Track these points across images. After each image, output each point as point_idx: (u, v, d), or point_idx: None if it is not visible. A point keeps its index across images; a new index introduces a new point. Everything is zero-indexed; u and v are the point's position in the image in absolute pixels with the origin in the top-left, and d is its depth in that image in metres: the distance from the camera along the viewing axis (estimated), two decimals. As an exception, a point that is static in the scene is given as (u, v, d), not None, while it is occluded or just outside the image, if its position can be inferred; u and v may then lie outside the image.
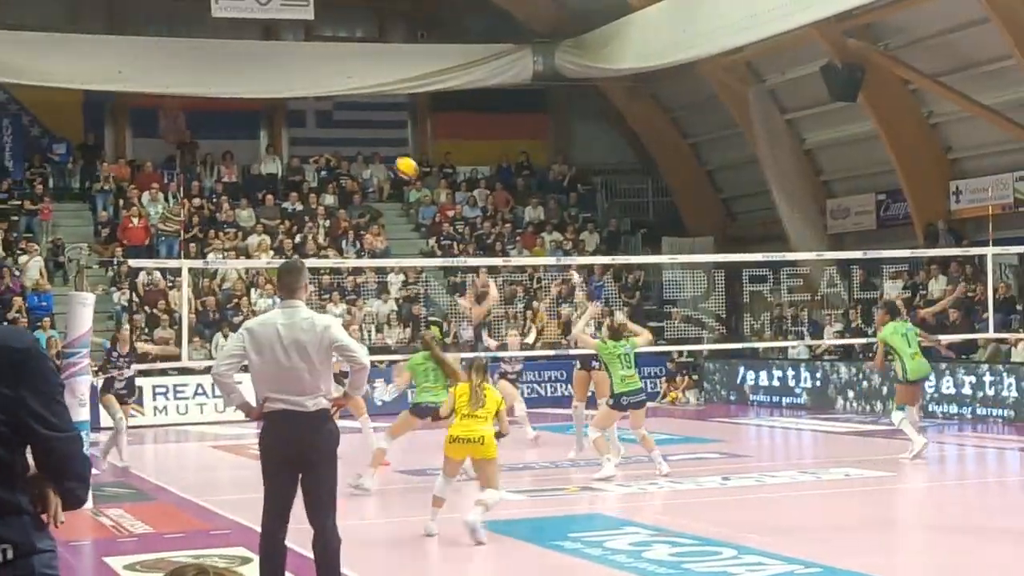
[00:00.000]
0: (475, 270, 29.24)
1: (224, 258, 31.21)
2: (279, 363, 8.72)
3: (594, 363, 19.09)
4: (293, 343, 8.70)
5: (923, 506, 15.44)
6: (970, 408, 25.01)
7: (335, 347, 8.82)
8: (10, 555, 3.87)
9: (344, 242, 33.99)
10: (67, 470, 4.10)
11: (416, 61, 35.86)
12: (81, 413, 15.42)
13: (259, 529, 9.13)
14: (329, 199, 35.75)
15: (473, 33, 37.15)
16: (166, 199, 33.92)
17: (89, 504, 14.93)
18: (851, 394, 27.70)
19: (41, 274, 30.62)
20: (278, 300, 9.46)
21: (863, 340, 26.60)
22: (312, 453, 8.76)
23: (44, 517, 4.07)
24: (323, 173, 37.02)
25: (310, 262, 30.37)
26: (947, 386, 25.49)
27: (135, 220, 32.72)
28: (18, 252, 31.39)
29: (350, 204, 35.92)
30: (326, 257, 31.86)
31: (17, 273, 30.53)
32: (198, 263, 26.92)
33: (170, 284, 30.28)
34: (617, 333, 17.20)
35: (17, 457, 3.95)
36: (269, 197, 35.08)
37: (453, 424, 12.91)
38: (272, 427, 8.87)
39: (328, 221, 34.65)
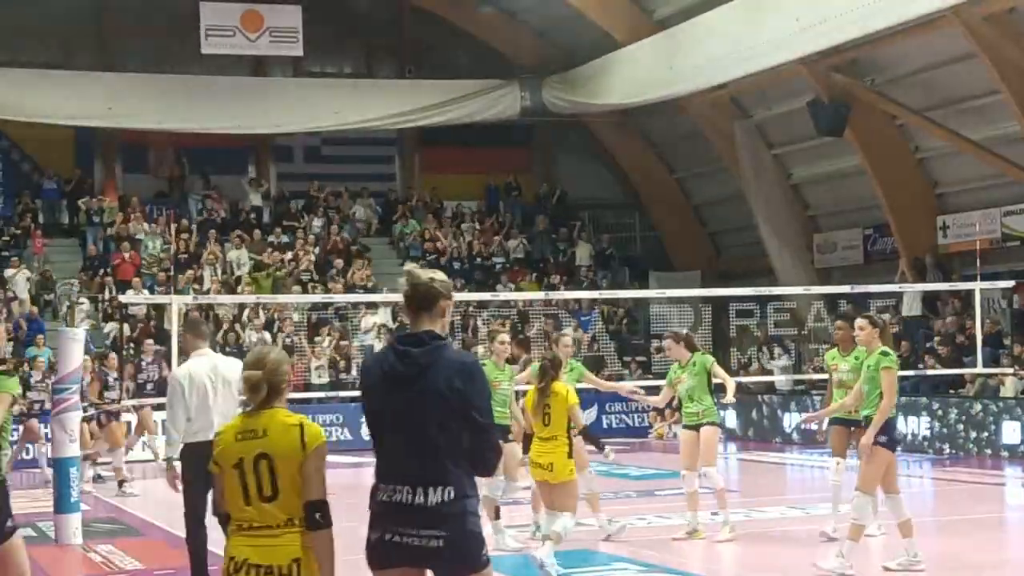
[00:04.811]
0: (466, 307, 29.20)
1: (212, 292, 31.16)
2: (210, 399, 10.74)
3: None
4: (222, 382, 10.80)
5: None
6: (959, 443, 25.04)
7: None
8: (451, 495, 5.88)
9: (330, 274, 33.91)
10: (487, 444, 6.05)
11: (403, 97, 36.03)
12: (72, 449, 15.41)
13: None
14: (316, 234, 35.74)
15: (460, 69, 37.29)
16: (155, 234, 33.98)
17: (79, 540, 14.97)
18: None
19: (29, 294, 30.93)
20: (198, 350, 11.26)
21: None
22: None
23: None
24: (311, 207, 37.02)
25: (298, 297, 30.54)
26: (936, 422, 25.52)
27: (126, 255, 32.77)
28: (7, 268, 31.68)
29: (337, 238, 35.88)
30: (314, 291, 31.86)
31: (12, 294, 30.89)
32: (187, 298, 26.89)
33: (154, 327, 30.01)
34: None
35: (462, 434, 5.94)
36: (256, 232, 35.10)
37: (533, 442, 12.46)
38: (198, 453, 10.06)
39: (315, 256, 34.65)
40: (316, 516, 5.91)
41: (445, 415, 5.87)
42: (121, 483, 21.29)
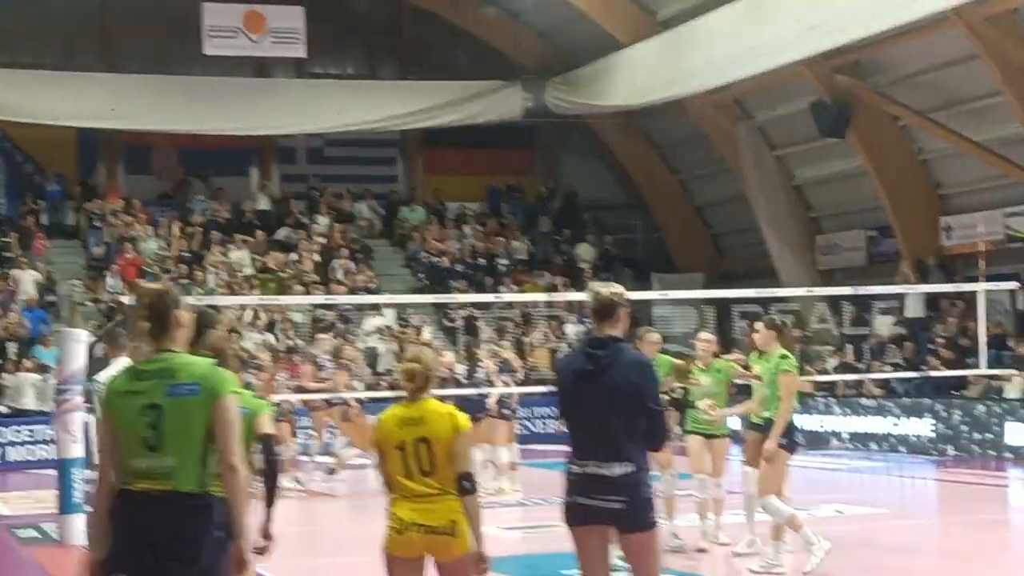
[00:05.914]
0: (468, 306, 29.19)
1: (215, 293, 31.15)
2: None
3: None
4: None
5: (917, 543, 15.43)
6: (963, 444, 25.01)
7: None
8: (631, 468, 7.22)
9: (334, 276, 33.91)
10: (659, 426, 7.44)
11: (406, 98, 36.00)
12: (75, 450, 15.40)
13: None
14: (319, 235, 35.73)
15: (460, 69, 37.30)
16: (158, 236, 34.01)
17: (83, 540, 14.95)
18: (845, 434, 27.56)
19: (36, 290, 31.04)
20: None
21: (855, 376, 26.65)
22: None
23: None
24: (314, 209, 37.01)
25: (300, 298, 30.54)
26: (940, 423, 25.50)
27: (129, 256, 32.79)
28: (10, 268, 31.69)
29: (341, 240, 35.87)
30: (317, 293, 31.85)
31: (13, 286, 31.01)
32: (189, 299, 26.85)
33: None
34: None
35: (639, 419, 7.30)
36: (260, 233, 35.10)
37: None
38: None
39: (318, 257, 34.63)
40: (465, 484, 7.25)
41: (625, 404, 7.27)
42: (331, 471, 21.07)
